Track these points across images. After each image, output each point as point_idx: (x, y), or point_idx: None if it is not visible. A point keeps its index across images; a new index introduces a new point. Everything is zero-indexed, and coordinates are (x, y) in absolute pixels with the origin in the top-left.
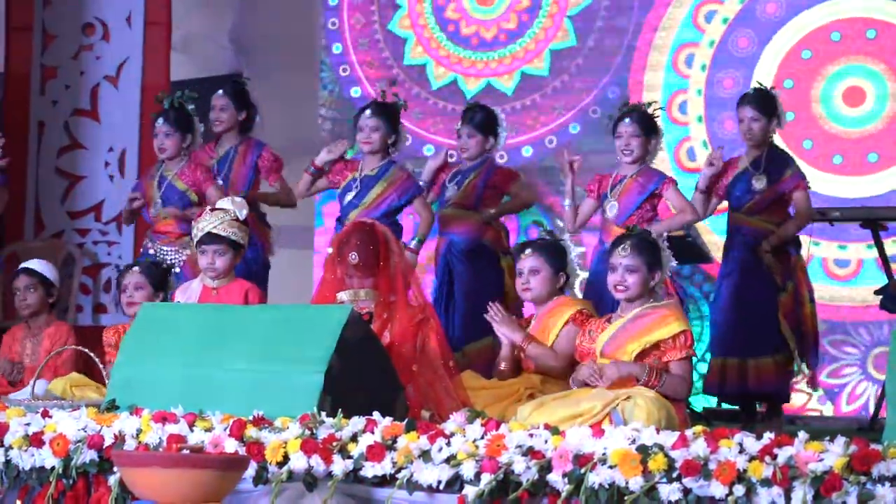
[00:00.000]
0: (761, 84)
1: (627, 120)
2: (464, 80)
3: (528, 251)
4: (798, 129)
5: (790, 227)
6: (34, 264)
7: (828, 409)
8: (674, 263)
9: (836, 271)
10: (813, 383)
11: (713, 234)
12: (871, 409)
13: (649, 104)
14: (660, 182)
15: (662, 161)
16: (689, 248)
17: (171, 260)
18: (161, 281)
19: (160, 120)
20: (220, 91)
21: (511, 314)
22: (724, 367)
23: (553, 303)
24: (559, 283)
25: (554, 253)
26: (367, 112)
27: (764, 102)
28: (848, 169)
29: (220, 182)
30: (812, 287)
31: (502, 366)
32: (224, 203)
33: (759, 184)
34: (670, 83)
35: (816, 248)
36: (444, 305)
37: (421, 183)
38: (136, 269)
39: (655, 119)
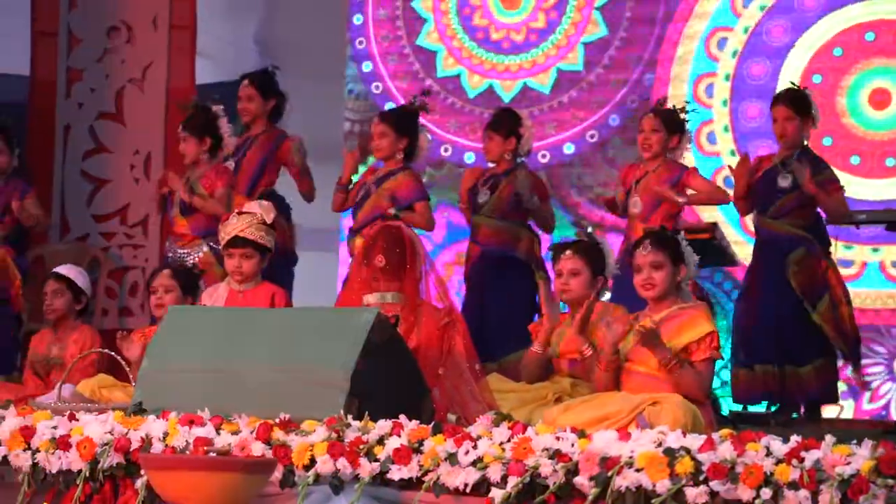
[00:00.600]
0: (794, 84)
1: (651, 115)
2: (500, 86)
3: (568, 252)
4: (819, 125)
5: (822, 195)
6: (65, 269)
7: (849, 408)
8: (696, 259)
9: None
10: (861, 384)
11: (737, 236)
12: (893, 411)
13: (680, 106)
14: (681, 174)
15: None
16: (714, 251)
17: (188, 263)
18: (191, 284)
19: (180, 125)
20: (246, 80)
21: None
22: (764, 374)
23: (599, 308)
24: (598, 285)
25: (594, 255)
26: (375, 119)
27: (798, 102)
28: (864, 170)
29: (232, 165)
30: (846, 288)
31: (533, 373)
32: (251, 206)
33: (784, 181)
34: (699, 66)
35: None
36: (472, 313)
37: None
38: (165, 271)
39: (682, 117)
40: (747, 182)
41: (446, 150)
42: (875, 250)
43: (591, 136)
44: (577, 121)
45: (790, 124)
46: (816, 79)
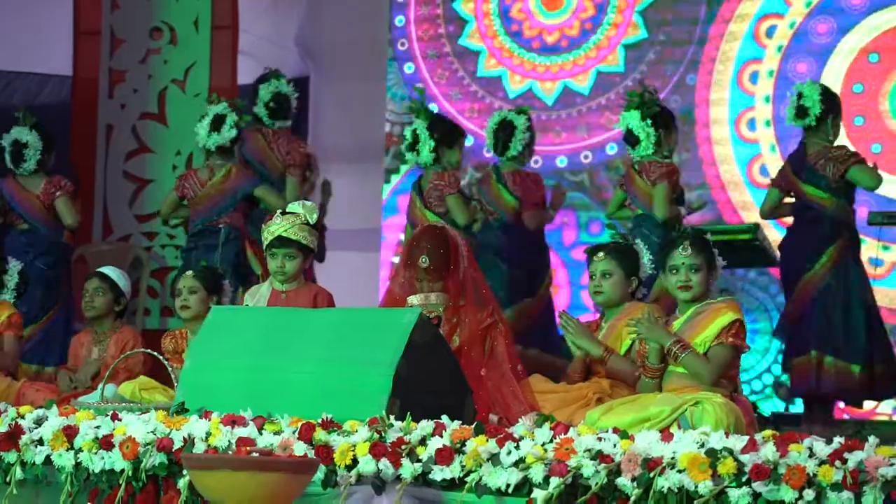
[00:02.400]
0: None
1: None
2: (540, 86)
3: (600, 254)
4: (866, 131)
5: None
6: (108, 270)
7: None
8: (723, 263)
9: None
10: None
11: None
12: None
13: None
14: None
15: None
16: (755, 252)
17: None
18: (215, 285)
19: None
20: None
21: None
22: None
23: (626, 308)
24: (631, 287)
25: (627, 257)
26: None
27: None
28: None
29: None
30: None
31: (573, 375)
32: (294, 207)
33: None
34: (743, 56)
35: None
36: None
37: None
38: (189, 273)
39: (663, 111)
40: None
41: (488, 150)
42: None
43: None
44: (610, 125)
45: None
46: (857, 88)
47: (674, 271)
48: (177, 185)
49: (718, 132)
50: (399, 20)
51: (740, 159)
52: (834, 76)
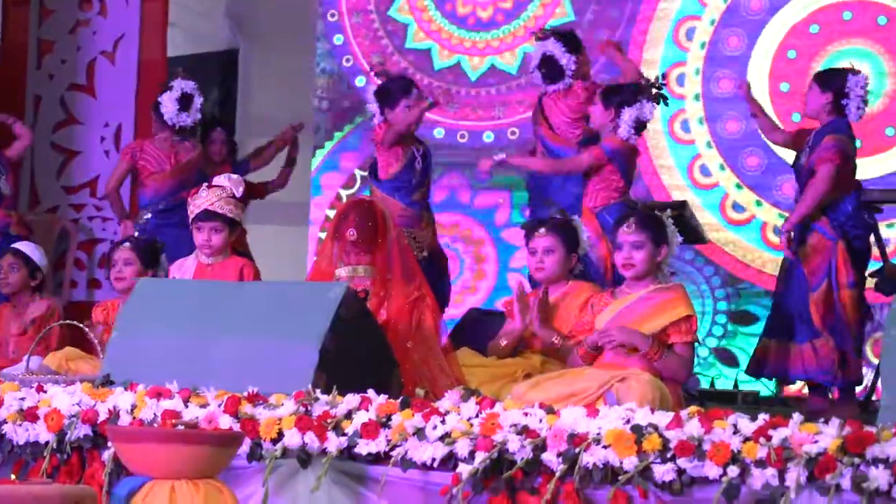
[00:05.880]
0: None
1: None
2: (468, 61)
3: (542, 230)
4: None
5: (801, 206)
6: (22, 245)
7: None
8: (679, 240)
9: None
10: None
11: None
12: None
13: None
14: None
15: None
16: (682, 228)
17: None
18: (152, 258)
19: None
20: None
21: None
22: (765, 348)
23: (567, 287)
24: (571, 263)
25: (568, 232)
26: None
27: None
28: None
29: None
30: (854, 273)
31: (504, 342)
32: (220, 180)
33: (803, 157)
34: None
35: None
36: None
37: None
38: (126, 244)
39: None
40: None
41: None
42: None
43: None
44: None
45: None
46: (791, 54)
47: (618, 248)
48: (127, 155)
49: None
50: None
51: (680, 164)
52: (766, 48)
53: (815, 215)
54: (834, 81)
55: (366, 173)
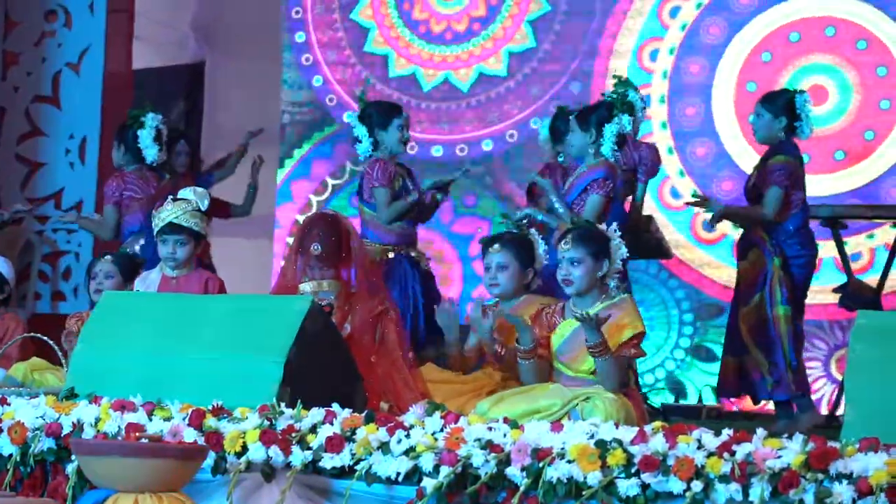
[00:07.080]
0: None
1: None
2: (423, 73)
3: (496, 246)
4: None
5: (740, 210)
6: None
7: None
8: (625, 252)
9: None
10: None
11: (674, 231)
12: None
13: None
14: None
15: None
16: (648, 244)
17: None
18: (132, 272)
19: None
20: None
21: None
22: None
23: (521, 302)
24: (527, 279)
25: (523, 247)
26: None
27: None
28: (815, 167)
29: None
30: (790, 290)
31: (468, 352)
32: (186, 193)
33: (751, 180)
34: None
35: None
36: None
37: None
38: (108, 257)
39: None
40: None
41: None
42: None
43: (511, 136)
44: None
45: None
46: (751, 87)
47: (559, 265)
48: (112, 196)
49: None
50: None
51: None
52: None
53: (757, 232)
54: (784, 105)
55: (337, 181)
